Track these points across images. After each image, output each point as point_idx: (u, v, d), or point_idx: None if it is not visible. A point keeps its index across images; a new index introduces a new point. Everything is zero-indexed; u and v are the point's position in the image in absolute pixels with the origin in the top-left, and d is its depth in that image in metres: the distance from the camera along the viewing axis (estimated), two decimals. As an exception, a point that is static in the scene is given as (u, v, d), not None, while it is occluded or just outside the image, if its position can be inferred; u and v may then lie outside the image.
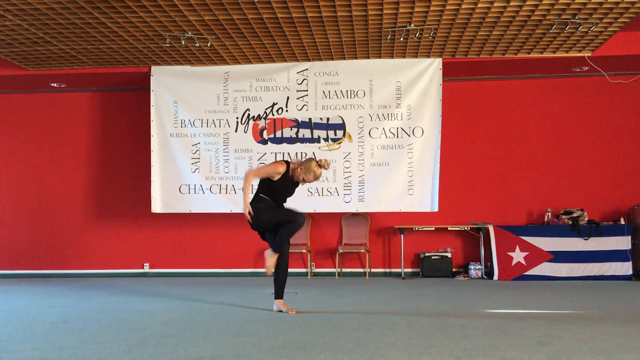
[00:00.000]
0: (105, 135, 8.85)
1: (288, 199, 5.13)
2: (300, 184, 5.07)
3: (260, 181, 5.02)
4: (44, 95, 8.93)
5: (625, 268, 7.49)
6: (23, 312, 5.17)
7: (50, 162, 8.86)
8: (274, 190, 4.97)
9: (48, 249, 8.74)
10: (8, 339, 3.92)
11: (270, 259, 4.93)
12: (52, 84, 8.58)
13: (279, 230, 4.88)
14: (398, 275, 8.25)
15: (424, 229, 8.13)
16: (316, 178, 4.95)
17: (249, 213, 4.90)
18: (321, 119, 7.84)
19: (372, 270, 8.35)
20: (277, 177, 4.92)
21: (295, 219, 4.87)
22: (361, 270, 8.39)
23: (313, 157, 5.09)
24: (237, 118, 7.94)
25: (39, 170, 8.86)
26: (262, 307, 5.31)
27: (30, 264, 8.73)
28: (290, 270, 8.30)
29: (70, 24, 6.36)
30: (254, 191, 5.07)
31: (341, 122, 7.81)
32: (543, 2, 5.84)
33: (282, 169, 4.92)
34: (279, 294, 5.06)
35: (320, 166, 4.93)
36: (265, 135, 7.90)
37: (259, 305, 5.44)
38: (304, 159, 5.03)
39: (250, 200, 4.97)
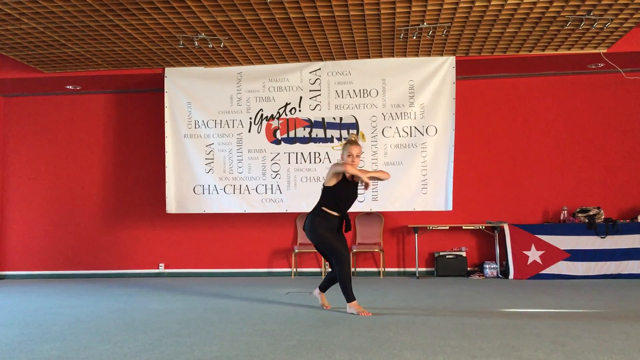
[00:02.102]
0: (120, 136, 8.92)
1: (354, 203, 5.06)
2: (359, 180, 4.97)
3: (322, 192, 4.95)
4: (59, 98, 9.02)
5: (643, 266, 7.41)
6: (40, 313, 5.22)
7: (65, 164, 8.95)
8: (338, 196, 4.87)
9: (64, 249, 8.82)
10: (26, 339, 3.96)
11: (352, 307, 4.82)
12: (68, 86, 8.67)
13: (338, 282, 4.84)
14: (412, 274, 8.23)
15: (439, 228, 8.09)
16: (354, 146, 4.82)
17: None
18: (334, 118, 7.84)
19: (387, 269, 8.33)
20: (339, 178, 4.83)
21: (342, 259, 4.78)
22: (375, 269, 8.37)
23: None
24: (251, 118, 7.96)
25: (54, 172, 8.95)
26: (278, 307, 5.32)
27: (46, 265, 8.82)
28: (304, 270, 8.42)
29: (84, 27, 6.41)
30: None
31: (354, 121, 7.80)
32: (557, -1, 5.79)
33: (340, 168, 4.83)
34: (349, 297, 4.85)
35: (350, 141, 4.87)
36: (278, 136, 7.92)
37: (274, 305, 5.45)
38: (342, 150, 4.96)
39: (313, 212, 4.94)
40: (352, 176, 4.87)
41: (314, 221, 4.87)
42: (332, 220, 4.90)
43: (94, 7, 5.84)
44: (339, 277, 4.80)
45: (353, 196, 4.99)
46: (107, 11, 5.95)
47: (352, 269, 8.29)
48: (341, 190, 4.88)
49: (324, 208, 4.89)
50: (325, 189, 4.93)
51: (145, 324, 4.47)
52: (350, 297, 4.82)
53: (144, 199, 8.73)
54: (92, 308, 5.47)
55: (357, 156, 4.87)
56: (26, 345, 3.73)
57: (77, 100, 9.01)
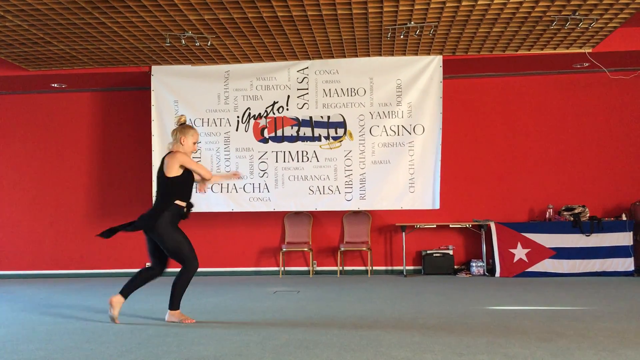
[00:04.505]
0: (106, 135, 8.85)
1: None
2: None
3: (172, 181, 4.46)
4: (44, 96, 8.93)
5: (627, 264, 7.49)
6: (26, 313, 5.18)
7: (51, 163, 8.86)
8: (188, 183, 4.52)
9: (50, 249, 8.75)
10: (11, 339, 3.92)
11: (174, 316, 4.48)
12: (53, 85, 8.59)
13: (175, 284, 4.46)
14: (400, 273, 8.26)
15: (426, 226, 8.13)
16: (196, 132, 4.63)
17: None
18: (322, 117, 7.84)
19: (374, 268, 8.35)
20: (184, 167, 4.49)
21: (191, 264, 4.42)
22: (363, 268, 8.39)
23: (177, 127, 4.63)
24: (238, 117, 7.94)
25: (40, 171, 8.87)
26: (265, 306, 5.31)
27: (32, 265, 8.74)
28: (292, 268, 8.43)
29: (70, 24, 6.36)
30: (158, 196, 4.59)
31: (342, 120, 7.81)
32: (543, -1, 5.84)
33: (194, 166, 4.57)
34: (175, 305, 4.52)
35: (188, 126, 4.61)
36: (266, 134, 7.90)
37: (262, 304, 5.44)
38: (176, 134, 4.58)
39: (160, 207, 4.47)
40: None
41: (165, 217, 4.41)
42: (180, 211, 4.51)
43: (79, 5, 5.79)
44: (181, 283, 4.45)
45: (193, 182, 4.63)
46: (93, 8, 5.90)
47: (340, 268, 8.31)
48: (186, 178, 4.52)
49: (177, 201, 4.46)
50: (178, 178, 4.47)
51: (132, 324, 4.44)
52: (176, 306, 4.50)
53: (131, 198, 8.67)
54: (78, 308, 5.43)
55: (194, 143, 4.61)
56: (11, 346, 3.69)
57: (63, 98, 8.93)
